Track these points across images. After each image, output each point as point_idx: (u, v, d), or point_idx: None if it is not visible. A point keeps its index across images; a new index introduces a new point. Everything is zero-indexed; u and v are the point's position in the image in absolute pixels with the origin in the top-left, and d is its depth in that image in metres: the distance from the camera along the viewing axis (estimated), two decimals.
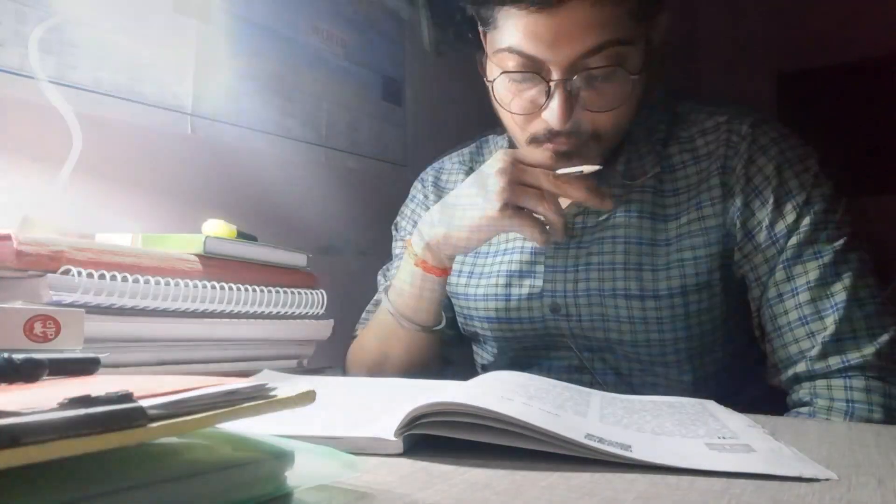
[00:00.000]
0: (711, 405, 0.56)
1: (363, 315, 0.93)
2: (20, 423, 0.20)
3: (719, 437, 0.43)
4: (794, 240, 0.68)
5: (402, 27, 1.34)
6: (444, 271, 0.76)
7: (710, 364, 0.76)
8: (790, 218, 0.69)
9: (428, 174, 0.96)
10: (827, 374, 0.66)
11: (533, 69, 0.66)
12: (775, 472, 0.35)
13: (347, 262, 1.18)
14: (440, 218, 0.74)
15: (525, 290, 0.80)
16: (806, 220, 0.68)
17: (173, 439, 0.30)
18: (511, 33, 0.65)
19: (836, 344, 0.66)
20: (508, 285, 0.81)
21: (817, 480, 0.35)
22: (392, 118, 1.30)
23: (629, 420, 0.47)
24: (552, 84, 0.66)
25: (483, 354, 0.89)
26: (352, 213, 1.19)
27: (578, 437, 0.39)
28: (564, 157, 0.70)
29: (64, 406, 0.22)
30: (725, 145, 0.72)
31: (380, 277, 0.95)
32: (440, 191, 0.92)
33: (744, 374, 0.80)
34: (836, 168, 0.73)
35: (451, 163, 0.95)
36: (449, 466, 0.37)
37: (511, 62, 0.67)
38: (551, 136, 0.69)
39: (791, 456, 0.39)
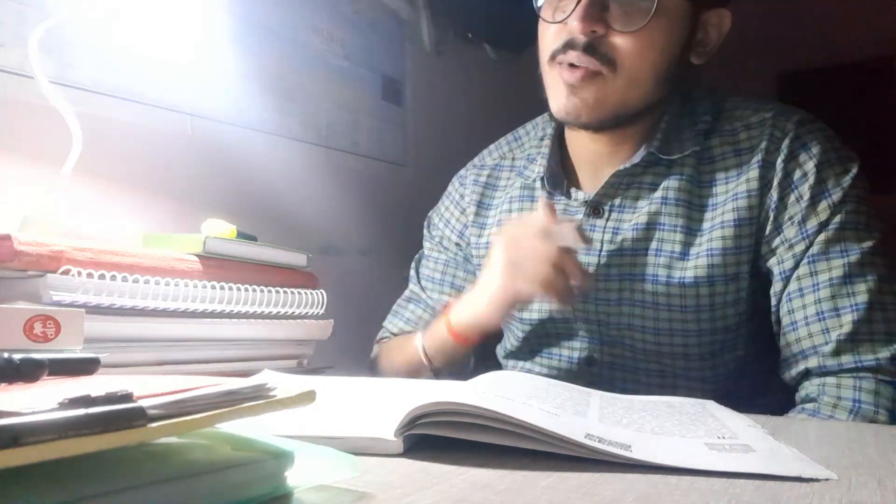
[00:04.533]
0: (711, 405, 0.56)
1: (394, 307, 0.96)
2: (20, 423, 0.20)
3: (719, 437, 0.43)
4: (822, 236, 0.69)
5: (402, 27, 1.34)
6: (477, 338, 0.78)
7: (732, 361, 0.76)
8: (823, 215, 0.69)
9: (468, 172, 0.94)
10: (838, 373, 0.66)
11: None
12: (775, 472, 0.35)
13: (347, 262, 1.18)
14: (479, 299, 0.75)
15: None
16: (837, 219, 0.69)
17: (173, 439, 0.30)
18: None
19: (850, 343, 0.65)
20: None
21: (817, 480, 0.35)
22: (392, 118, 1.30)
23: (629, 420, 0.47)
24: None
25: (510, 339, 0.89)
26: (352, 213, 1.19)
27: (578, 436, 0.39)
28: (576, 88, 0.70)
29: (64, 406, 0.22)
30: (768, 139, 0.73)
31: (412, 271, 0.96)
32: (486, 189, 0.91)
33: (765, 379, 0.79)
34: None
35: (490, 158, 0.93)
36: (449, 466, 0.37)
37: None
38: (568, 47, 0.70)
39: (791, 456, 0.39)
